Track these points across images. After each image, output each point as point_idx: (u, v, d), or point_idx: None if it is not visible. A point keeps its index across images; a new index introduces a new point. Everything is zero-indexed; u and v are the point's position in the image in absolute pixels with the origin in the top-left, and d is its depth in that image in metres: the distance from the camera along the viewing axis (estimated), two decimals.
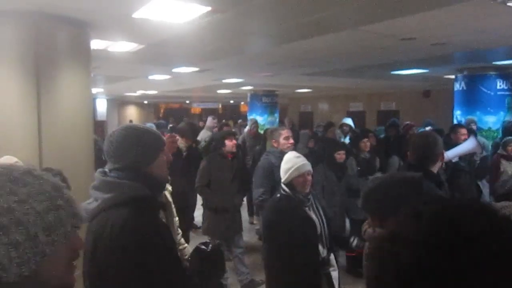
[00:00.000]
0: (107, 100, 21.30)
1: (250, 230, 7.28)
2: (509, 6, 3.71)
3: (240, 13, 4.13)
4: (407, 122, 8.66)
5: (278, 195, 3.18)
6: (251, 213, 7.72)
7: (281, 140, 4.43)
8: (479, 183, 5.99)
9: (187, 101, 25.57)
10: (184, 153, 5.45)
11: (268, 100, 14.52)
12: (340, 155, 4.91)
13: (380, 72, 9.27)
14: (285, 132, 4.51)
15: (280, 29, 5.02)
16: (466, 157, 5.50)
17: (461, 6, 3.82)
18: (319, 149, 5.91)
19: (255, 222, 7.42)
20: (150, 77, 10.40)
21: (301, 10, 4.08)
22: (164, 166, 1.82)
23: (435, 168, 2.77)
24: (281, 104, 18.26)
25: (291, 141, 4.51)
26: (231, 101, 24.80)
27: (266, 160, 4.42)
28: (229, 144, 5.00)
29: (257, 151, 6.97)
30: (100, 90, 15.61)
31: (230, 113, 25.75)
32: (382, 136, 8.11)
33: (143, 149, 1.71)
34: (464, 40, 5.54)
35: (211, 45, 5.93)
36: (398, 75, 9.77)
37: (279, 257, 3.00)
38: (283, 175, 3.15)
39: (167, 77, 10.12)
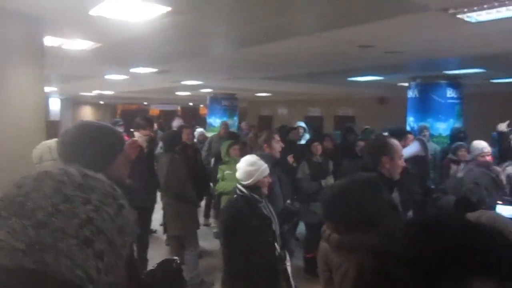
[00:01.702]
0: (61, 99, 20.60)
1: (207, 232, 7.24)
2: (458, 18, 3.88)
3: (200, 15, 4.11)
4: (367, 127, 8.89)
5: (235, 196, 3.23)
6: (207, 215, 7.69)
7: (274, 144, 4.49)
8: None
9: (145, 103, 25.14)
10: (146, 149, 5.24)
11: (228, 103, 14.51)
12: (291, 158, 5.04)
13: (338, 78, 9.46)
14: (277, 136, 4.59)
15: (240, 33, 5.03)
16: (416, 160, 5.77)
17: (414, 16, 3.96)
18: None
19: (213, 224, 7.38)
20: (107, 77, 10.15)
21: (261, 14, 4.11)
22: (124, 167, 1.70)
23: (386, 172, 2.79)
24: (241, 108, 18.29)
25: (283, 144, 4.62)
26: (190, 104, 24.59)
27: None
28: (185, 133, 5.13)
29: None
30: (54, 89, 15.08)
31: (190, 116, 25.53)
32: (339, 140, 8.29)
33: (99, 149, 1.56)
34: (417, 49, 5.75)
35: (170, 46, 5.86)
36: (355, 81, 10.01)
37: (239, 256, 3.00)
38: (247, 177, 3.20)
39: (124, 77, 9.91)
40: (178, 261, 1.75)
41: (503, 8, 3.65)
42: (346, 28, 4.49)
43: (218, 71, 8.76)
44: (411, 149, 5.72)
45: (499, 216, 1.83)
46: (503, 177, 5.31)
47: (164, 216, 5.50)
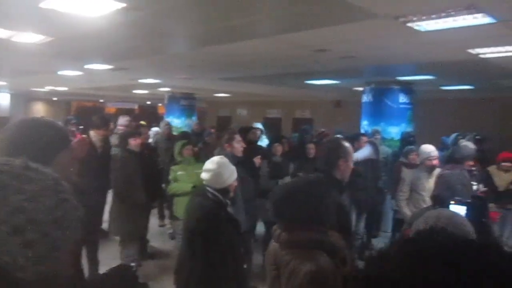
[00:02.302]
0: (11, 95, 19.75)
1: (162, 233, 7.16)
2: (408, 26, 4.03)
3: (156, 12, 4.05)
4: (323, 130, 9.04)
5: (201, 198, 3.17)
6: (161, 216, 7.59)
7: (235, 144, 4.46)
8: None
9: (101, 100, 24.50)
10: (100, 150, 5.13)
11: (186, 103, 14.38)
12: (257, 160, 5.05)
13: (295, 81, 9.60)
14: (238, 136, 4.57)
15: (197, 32, 5.01)
16: (368, 163, 5.95)
17: (366, 23, 4.07)
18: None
19: (168, 225, 7.29)
20: (60, 73, 9.82)
21: (218, 15, 4.11)
22: (69, 165, 1.64)
23: (339, 174, 2.85)
24: (200, 108, 18.17)
25: (244, 144, 4.62)
26: (149, 102, 24.19)
27: None
28: (133, 143, 5.00)
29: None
30: (3, 83, 14.44)
31: (148, 115, 25.08)
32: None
33: (38, 146, 1.48)
34: (370, 55, 5.92)
35: (126, 43, 5.75)
36: (312, 84, 10.18)
37: (205, 258, 2.97)
38: (219, 180, 3.14)
39: (78, 73, 9.62)
40: (134, 269, 1.69)
41: (450, 19, 3.82)
42: (301, 32, 4.56)
43: (176, 70, 8.67)
44: (364, 152, 5.91)
45: (456, 215, 1.91)
46: None
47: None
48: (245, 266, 3.38)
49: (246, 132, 8.15)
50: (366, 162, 6.07)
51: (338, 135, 7.96)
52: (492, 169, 6.28)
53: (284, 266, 2.00)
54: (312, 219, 2.04)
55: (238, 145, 4.44)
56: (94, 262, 4.79)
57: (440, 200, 3.44)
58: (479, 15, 3.68)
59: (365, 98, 9.31)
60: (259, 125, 9.57)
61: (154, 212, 7.17)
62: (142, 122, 11.04)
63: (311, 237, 2.00)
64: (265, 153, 5.83)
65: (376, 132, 8.01)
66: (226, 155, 4.32)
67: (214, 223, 3.01)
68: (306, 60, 6.33)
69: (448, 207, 4.08)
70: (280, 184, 3.75)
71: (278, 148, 5.82)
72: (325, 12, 3.87)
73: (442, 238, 0.67)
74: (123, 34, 5.05)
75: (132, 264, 2.59)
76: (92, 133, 5.08)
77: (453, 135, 7.77)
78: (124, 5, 3.70)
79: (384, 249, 0.68)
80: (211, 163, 3.20)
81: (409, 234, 1.69)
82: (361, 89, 9.71)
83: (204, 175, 3.19)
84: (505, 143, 8.16)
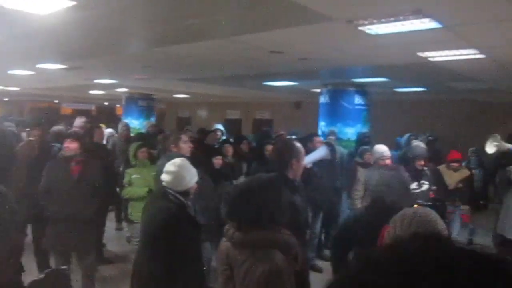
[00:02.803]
0: None
1: (119, 237, 7.01)
2: (360, 30, 4.14)
3: (108, 11, 3.97)
4: (282, 132, 9.10)
5: (163, 201, 3.10)
6: (119, 219, 7.43)
7: (181, 144, 4.40)
8: None
9: (56, 101, 23.73)
10: (36, 151, 4.78)
11: (145, 103, 14.16)
12: (218, 161, 5.02)
13: (254, 82, 9.64)
14: (184, 137, 4.50)
15: (152, 32, 4.95)
16: (324, 164, 6.04)
17: (321, 26, 4.15)
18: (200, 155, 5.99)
19: (125, 229, 7.14)
20: (10, 72, 9.43)
21: (173, 15, 4.07)
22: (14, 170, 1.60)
23: (292, 174, 2.89)
24: (159, 109, 17.93)
25: (191, 144, 4.55)
26: (106, 103, 23.64)
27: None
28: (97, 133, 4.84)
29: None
30: None
31: (106, 116, 24.50)
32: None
33: None
34: (326, 58, 6.03)
35: (79, 42, 5.59)
36: (271, 86, 10.26)
37: (167, 260, 2.92)
38: (183, 182, 3.10)
39: (30, 73, 9.27)
40: (66, 273, 1.66)
41: (399, 23, 3.95)
42: (257, 33, 4.60)
43: (133, 70, 8.51)
44: (318, 153, 5.96)
45: (431, 212, 1.97)
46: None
47: None
48: (205, 268, 3.37)
49: (206, 133, 8.14)
50: (322, 162, 6.16)
51: (293, 136, 8.09)
52: (442, 168, 6.52)
53: (239, 266, 2.00)
54: (265, 218, 2.06)
55: (185, 146, 4.40)
56: (15, 265, 4.60)
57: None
58: (426, 20, 3.83)
59: (322, 100, 9.48)
60: (219, 126, 9.56)
61: (111, 216, 7.04)
62: (101, 125, 10.80)
63: (266, 236, 2.02)
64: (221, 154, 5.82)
65: (331, 132, 8.17)
66: (173, 156, 4.29)
67: (177, 226, 2.97)
68: (263, 61, 6.37)
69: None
70: (234, 185, 3.76)
71: (229, 149, 5.81)
72: (280, 14, 3.91)
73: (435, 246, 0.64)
74: (74, 33, 4.91)
75: (64, 267, 2.49)
76: (24, 134, 4.82)
77: (406, 136, 8.04)
78: (74, 3, 3.60)
79: (372, 255, 0.64)
80: (172, 165, 3.14)
81: (388, 230, 1.75)
82: (319, 90, 9.87)
83: (165, 177, 3.12)
84: (456, 143, 8.49)
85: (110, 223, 6.94)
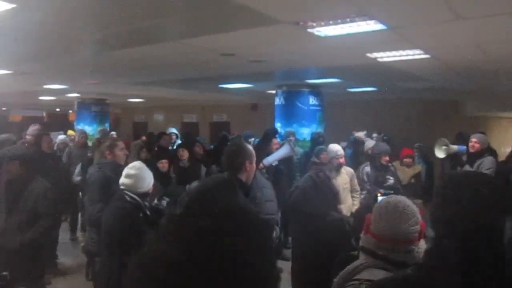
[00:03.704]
0: None
1: (74, 247, 6.79)
2: (309, 32, 4.21)
3: (53, 14, 3.84)
4: (238, 134, 9.12)
5: (118, 202, 3.15)
6: (74, 229, 7.20)
7: (117, 152, 4.29)
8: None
9: (4, 108, 22.70)
10: None
11: (98, 109, 13.81)
12: (163, 164, 4.96)
13: (209, 85, 9.61)
14: (121, 143, 4.42)
15: (102, 36, 4.83)
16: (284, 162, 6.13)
17: (270, 28, 4.18)
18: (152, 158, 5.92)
19: (80, 238, 6.93)
20: None
21: (121, 18, 3.99)
22: None
23: (244, 176, 2.88)
24: (114, 114, 17.54)
25: (127, 152, 4.51)
26: (58, 109, 22.85)
27: (101, 173, 4.15)
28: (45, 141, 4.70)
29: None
30: None
31: (58, 122, 23.67)
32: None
33: None
34: (278, 59, 6.09)
35: (25, 47, 5.38)
36: (226, 88, 10.25)
37: (124, 259, 2.88)
38: (144, 184, 3.21)
39: None
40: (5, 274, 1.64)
41: (346, 25, 4.05)
42: (207, 36, 4.59)
43: (84, 75, 8.28)
44: (283, 151, 5.98)
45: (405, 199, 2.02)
46: (364, 176, 5.87)
47: None
48: None
49: (158, 138, 8.04)
50: (281, 161, 6.22)
51: (251, 139, 8.13)
52: (396, 164, 6.73)
53: None
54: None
55: (121, 153, 4.32)
56: None
57: None
58: (371, 22, 3.94)
59: (278, 101, 9.57)
60: (174, 130, 9.48)
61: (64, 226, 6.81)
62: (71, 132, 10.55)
63: None
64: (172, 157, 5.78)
65: (291, 133, 8.27)
66: (106, 163, 4.20)
67: (133, 225, 3.01)
68: (215, 64, 6.36)
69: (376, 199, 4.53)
70: (189, 189, 3.75)
71: (184, 153, 5.77)
72: (228, 17, 3.92)
73: None
74: (18, 36, 4.72)
75: (4, 273, 2.35)
76: None
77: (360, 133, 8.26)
78: (14, 5, 3.46)
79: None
80: (132, 169, 3.25)
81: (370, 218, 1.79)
82: (273, 92, 9.96)
83: (125, 181, 3.20)
84: (406, 141, 8.76)
85: (64, 233, 6.73)
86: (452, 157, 5.71)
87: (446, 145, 5.66)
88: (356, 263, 1.74)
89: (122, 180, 3.22)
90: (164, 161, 5.02)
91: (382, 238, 1.69)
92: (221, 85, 9.73)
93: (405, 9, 3.65)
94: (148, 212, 3.22)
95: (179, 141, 8.69)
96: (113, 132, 11.24)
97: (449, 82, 8.54)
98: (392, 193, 4.70)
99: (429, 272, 1.23)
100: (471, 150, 5.34)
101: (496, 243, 1.19)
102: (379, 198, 4.60)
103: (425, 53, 5.46)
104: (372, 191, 5.36)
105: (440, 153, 5.73)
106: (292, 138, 7.96)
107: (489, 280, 1.13)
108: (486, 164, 5.25)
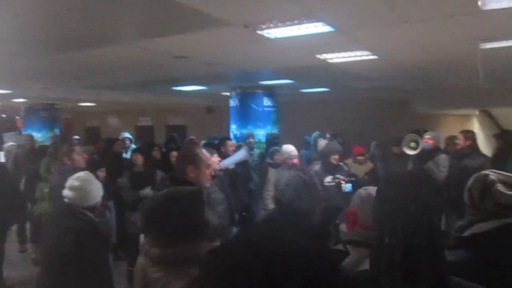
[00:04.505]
0: None
1: (23, 259, 6.49)
2: (258, 34, 4.24)
3: None
4: (192, 137, 9.03)
5: (69, 220, 2.92)
6: (23, 240, 6.89)
7: (76, 156, 4.16)
8: None
9: None
10: None
11: (47, 114, 13.31)
12: (102, 173, 4.90)
13: (163, 87, 9.49)
14: (78, 148, 4.29)
15: (49, 38, 4.66)
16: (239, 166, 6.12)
17: (221, 31, 4.19)
18: None
19: (30, 250, 6.64)
20: None
21: (70, 20, 3.88)
22: None
23: (194, 181, 2.78)
24: (66, 119, 16.96)
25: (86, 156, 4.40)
26: (4, 115, 21.83)
27: (63, 179, 4.01)
28: None
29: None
30: None
31: (5, 129, 22.59)
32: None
33: None
34: (230, 62, 6.11)
35: None
36: (181, 91, 10.15)
37: (79, 280, 2.77)
38: (90, 197, 3.00)
39: None
40: None
41: (295, 27, 4.11)
42: (158, 38, 4.54)
43: (30, 79, 7.96)
44: (240, 154, 5.97)
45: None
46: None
47: None
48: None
49: (111, 144, 7.85)
50: (237, 165, 6.22)
51: (215, 141, 8.09)
52: (349, 162, 6.88)
53: (154, 284, 1.87)
54: (185, 233, 1.91)
55: (79, 157, 4.21)
56: None
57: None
58: (319, 24, 4.02)
59: (232, 103, 9.58)
60: (127, 135, 9.28)
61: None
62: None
63: (184, 251, 1.86)
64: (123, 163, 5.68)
65: (249, 135, 8.29)
66: (67, 169, 4.08)
67: (90, 247, 2.84)
68: (169, 66, 6.29)
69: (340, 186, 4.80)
70: (152, 196, 3.64)
71: (138, 158, 5.67)
72: (178, 19, 3.89)
73: None
74: None
75: None
76: None
77: (315, 134, 8.38)
78: None
79: None
80: (76, 180, 3.00)
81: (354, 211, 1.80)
82: (228, 94, 9.96)
83: (69, 194, 2.96)
84: (359, 140, 8.96)
85: (12, 245, 6.43)
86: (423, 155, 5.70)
87: (415, 141, 5.64)
88: (353, 258, 1.73)
89: (65, 191, 2.99)
90: (103, 169, 4.94)
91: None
92: (175, 88, 9.62)
93: (351, 12, 3.74)
94: (101, 229, 3.04)
95: (133, 146, 8.52)
96: (76, 136, 10.87)
97: (398, 82, 8.85)
98: (353, 180, 4.93)
99: (373, 271, 1.26)
100: (426, 147, 5.51)
101: (435, 239, 1.23)
102: (343, 185, 4.86)
103: (373, 54, 5.63)
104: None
105: (409, 150, 5.68)
106: (251, 140, 8.00)
107: (429, 274, 1.17)
108: (442, 162, 5.43)
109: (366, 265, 1.64)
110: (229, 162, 5.49)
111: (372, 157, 7.66)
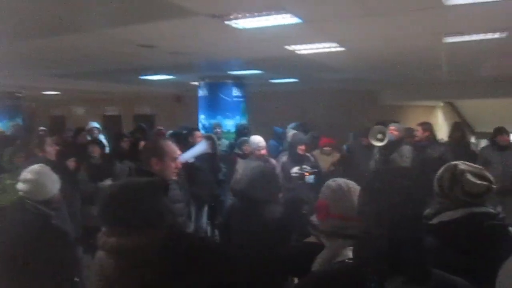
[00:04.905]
0: None
1: None
2: (226, 24, 4.21)
3: None
4: (160, 128, 8.92)
5: (20, 214, 2.81)
6: None
7: (47, 148, 4.03)
8: None
9: None
10: None
11: (9, 103, 12.86)
12: (70, 163, 4.76)
13: (130, 76, 9.31)
14: (49, 139, 4.16)
15: (9, 24, 4.48)
16: (205, 157, 6.07)
17: (188, 20, 4.14)
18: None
19: None
20: None
21: (33, 5, 3.73)
22: None
23: (158, 173, 2.79)
24: (28, 108, 16.43)
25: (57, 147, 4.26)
26: None
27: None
28: None
29: None
30: None
31: None
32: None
33: None
34: (197, 51, 6.03)
35: None
36: (148, 80, 9.99)
37: (33, 278, 2.64)
38: (44, 191, 2.85)
39: None
40: None
41: (263, 18, 4.10)
42: (123, 27, 4.44)
43: None
44: (198, 148, 5.95)
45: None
46: (277, 166, 5.99)
47: None
48: (76, 279, 3.15)
49: (76, 134, 7.65)
50: (203, 156, 6.17)
51: (184, 132, 8.00)
52: (316, 153, 6.95)
53: (111, 275, 1.84)
54: (142, 223, 1.88)
55: (51, 149, 4.11)
56: None
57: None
58: (287, 16, 4.02)
59: (201, 93, 9.51)
60: (95, 124, 9.07)
61: None
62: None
63: (140, 242, 1.85)
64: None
65: (217, 125, 8.24)
66: (39, 160, 3.98)
67: (39, 242, 2.69)
68: (135, 55, 6.17)
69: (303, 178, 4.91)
70: (107, 186, 3.57)
71: (95, 149, 5.55)
72: (144, 8, 3.81)
73: None
74: None
75: None
76: None
77: (292, 125, 8.39)
78: None
79: None
80: (30, 173, 2.86)
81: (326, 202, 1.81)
82: (197, 83, 9.86)
83: (22, 187, 2.84)
84: (328, 130, 9.06)
85: None
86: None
87: (382, 132, 5.67)
88: (330, 251, 1.75)
89: (19, 184, 2.87)
90: (73, 159, 4.81)
91: (349, 217, 1.72)
92: (142, 77, 9.45)
93: (318, 4, 3.76)
94: (57, 223, 2.93)
95: (102, 136, 8.35)
96: (42, 128, 10.50)
97: (366, 73, 8.97)
98: (316, 171, 5.03)
99: (360, 261, 1.28)
100: (391, 138, 5.59)
101: (420, 231, 1.26)
102: (307, 177, 4.97)
103: (340, 46, 5.68)
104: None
105: (376, 142, 5.71)
106: (218, 130, 7.95)
107: (415, 265, 1.20)
108: (405, 152, 5.55)
109: (343, 256, 1.68)
110: (189, 155, 5.44)
111: (349, 148, 7.75)
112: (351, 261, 1.40)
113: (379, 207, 1.30)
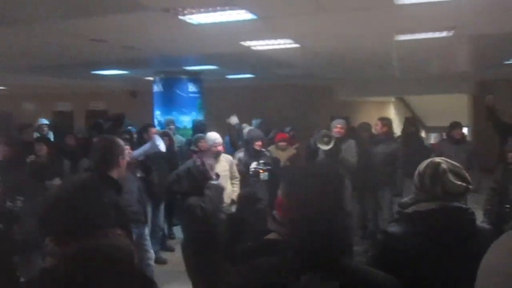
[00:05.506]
0: None
1: None
2: (180, 19, 4.14)
3: None
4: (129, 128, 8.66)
5: None
6: None
7: None
8: None
9: None
10: None
11: None
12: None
13: (81, 71, 9.01)
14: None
15: None
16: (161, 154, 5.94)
17: (141, 14, 4.05)
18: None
19: None
20: None
21: None
22: None
23: (115, 173, 2.68)
24: None
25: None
26: None
27: None
28: None
29: None
30: None
31: None
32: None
33: None
34: (151, 46, 5.93)
35: None
36: (100, 75, 9.71)
37: None
38: None
39: None
40: None
41: (217, 14, 4.06)
42: (74, 19, 4.28)
43: None
44: (147, 146, 5.77)
45: None
46: (236, 161, 5.97)
47: None
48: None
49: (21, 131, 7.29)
50: (158, 153, 6.04)
51: (130, 128, 7.80)
52: (272, 148, 6.98)
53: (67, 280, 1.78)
54: (88, 225, 1.78)
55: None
56: None
57: None
58: (242, 12, 4.01)
59: (156, 88, 9.33)
60: (44, 121, 8.73)
61: None
62: None
63: (87, 245, 1.74)
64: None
65: (170, 122, 8.09)
66: None
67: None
68: (85, 49, 5.97)
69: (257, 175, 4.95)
70: (48, 191, 3.42)
71: (41, 148, 5.33)
72: (95, 0, 3.68)
73: None
74: None
75: None
76: None
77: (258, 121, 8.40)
78: None
79: None
80: None
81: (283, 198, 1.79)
82: (152, 79, 9.68)
83: None
84: (284, 126, 9.13)
85: None
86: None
87: (327, 136, 5.77)
88: None
89: None
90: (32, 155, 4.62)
91: None
92: (94, 72, 9.16)
93: (273, 0, 3.77)
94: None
95: (51, 133, 8.05)
96: None
97: (321, 70, 9.11)
98: (270, 168, 5.08)
99: (285, 255, 1.29)
100: (337, 135, 5.70)
101: (330, 226, 1.27)
102: (261, 174, 5.03)
103: (295, 43, 5.73)
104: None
105: (324, 146, 5.82)
106: (172, 127, 7.82)
107: (323, 261, 1.22)
108: (351, 147, 5.67)
109: None
110: (139, 152, 5.31)
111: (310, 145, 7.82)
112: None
113: (290, 206, 1.34)
